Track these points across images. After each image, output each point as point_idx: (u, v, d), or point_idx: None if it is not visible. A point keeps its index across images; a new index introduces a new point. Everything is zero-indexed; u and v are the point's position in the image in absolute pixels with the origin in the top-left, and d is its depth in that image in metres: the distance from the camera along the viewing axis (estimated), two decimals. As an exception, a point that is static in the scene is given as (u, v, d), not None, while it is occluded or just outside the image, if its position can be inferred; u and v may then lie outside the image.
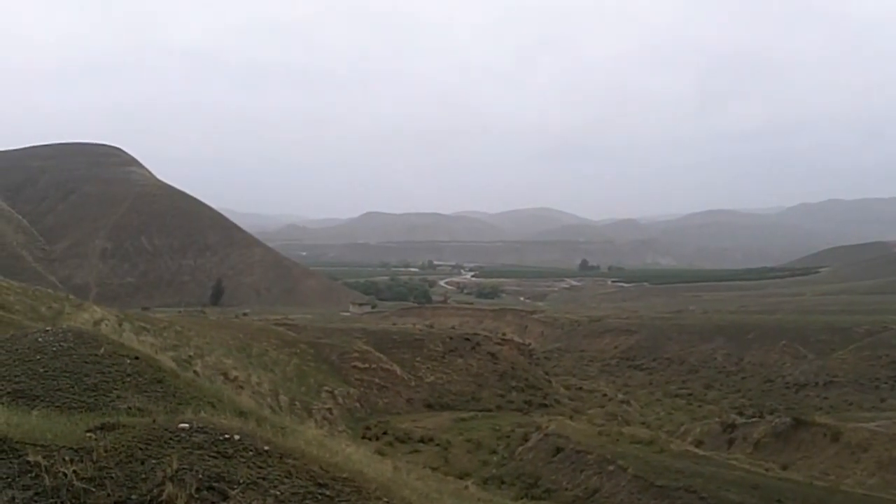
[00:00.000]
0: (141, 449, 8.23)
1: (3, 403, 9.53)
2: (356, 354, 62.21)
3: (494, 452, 44.12)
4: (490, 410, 59.04)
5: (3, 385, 10.33)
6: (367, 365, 61.20)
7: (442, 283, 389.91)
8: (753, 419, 53.10)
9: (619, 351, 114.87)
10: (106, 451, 8.03)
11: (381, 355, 63.97)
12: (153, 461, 8.04)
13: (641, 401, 79.24)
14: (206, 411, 10.09)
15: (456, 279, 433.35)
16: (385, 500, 8.51)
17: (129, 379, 10.95)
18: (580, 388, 76.82)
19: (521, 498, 33.11)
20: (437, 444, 45.28)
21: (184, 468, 7.92)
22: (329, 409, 50.74)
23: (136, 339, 32.94)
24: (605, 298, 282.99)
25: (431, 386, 63.23)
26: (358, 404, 56.07)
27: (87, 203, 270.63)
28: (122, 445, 8.21)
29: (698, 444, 46.29)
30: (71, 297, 45.19)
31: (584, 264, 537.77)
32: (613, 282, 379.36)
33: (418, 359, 66.53)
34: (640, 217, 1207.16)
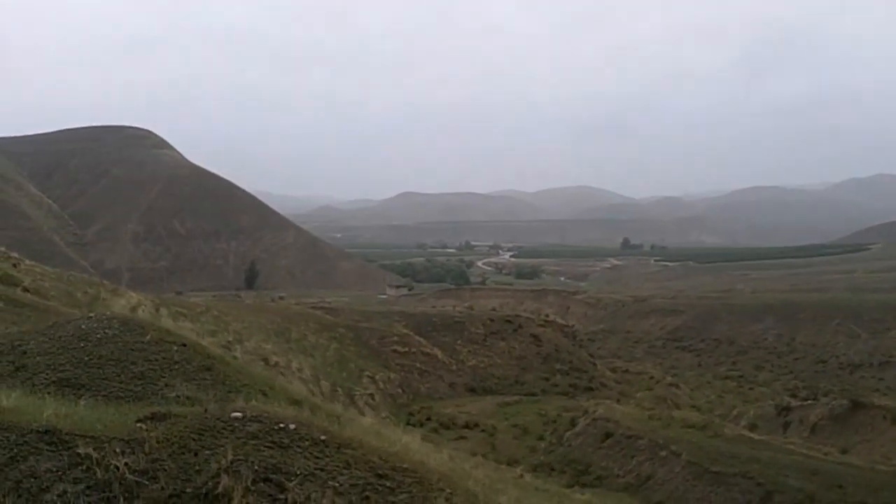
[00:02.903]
0: (194, 439, 8.09)
1: (49, 393, 9.44)
2: (396, 338, 62.05)
3: (542, 438, 43.87)
4: (534, 394, 58.73)
5: (48, 374, 10.24)
6: (407, 349, 61.04)
7: (480, 263, 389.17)
8: (808, 402, 52.50)
9: (666, 332, 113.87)
10: (158, 443, 7.90)
11: (422, 339, 63.79)
12: (207, 452, 7.90)
13: (690, 383, 78.58)
14: (258, 400, 9.94)
15: (494, 260, 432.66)
16: (448, 491, 8.30)
17: (176, 366, 10.82)
18: (626, 371, 76.20)
19: (573, 486, 32.86)
20: (483, 430, 45.09)
21: (239, 459, 7.78)
22: (371, 395, 50.74)
23: (174, 324, 33.05)
24: (648, 278, 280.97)
25: (473, 370, 63.01)
26: (400, 390, 56.01)
27: (118, 186, 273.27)
28: (175, 436, 8.08)
29: (752, 427, 45.80)
30: (106, 282, 45.51)
31: (626, 243, 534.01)
32: (657, 261, 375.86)
33: (459, 342, 66.23)
34: (684, 194, 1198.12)
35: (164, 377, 10.47)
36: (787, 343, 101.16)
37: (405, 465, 8.48)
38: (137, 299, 39.85)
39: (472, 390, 59.88)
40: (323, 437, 8.51)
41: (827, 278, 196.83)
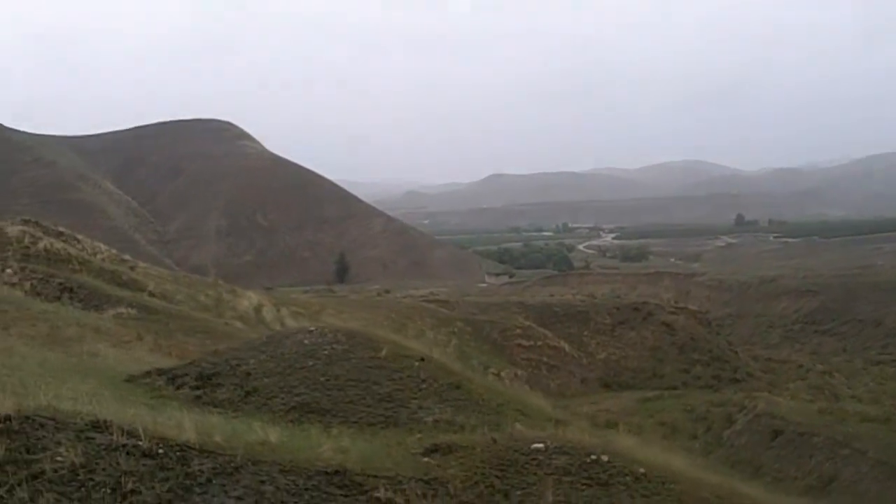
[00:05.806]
0: (497, 477, 7.28)
1: (293, 421, 8.71)
2: (518, 331, 61.00)
3: (695, 437, 42.38)
4: (675, 388, 57.06)
5: (283, 398, 9.52)
6: (531, 342, 59.96)
7: (581, 246, 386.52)
8: None
9: (802, 315, 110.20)
10: (461, 483, 7.08)
11: (546, 331, 62.63)
12: (518, 493, 7.09)
13: (842, 371, 75.65)
14: (522, 421, 9.10)
15: (596, 242, 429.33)
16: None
17: (423, 385, 10.02)
18: (769, 359, 73.86)
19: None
20: (628, 431, 43.80)
21: (560, 501, 6.92)
22: (499, 394, 50.01)
23: (296, 325, 32.72)
24: (768, 256, 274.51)
25: (605, 363, 61.70)
26: (527, 387, 55.06)
27: (198, 181, 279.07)
28: (475, 473, 7.28)
29: (934, 419, 43.56)
30: (221, 282, 45.73)
31: (739, 219, 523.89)
32: (776, 237, 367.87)
33: (586, 333, 64.87)
34: (802, 164, 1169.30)
35: (414, 398, 9.68)
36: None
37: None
38: (258, 300, 39.88)
39: (606, 385, 58.58)
40: (642, 471, 7.61)
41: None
